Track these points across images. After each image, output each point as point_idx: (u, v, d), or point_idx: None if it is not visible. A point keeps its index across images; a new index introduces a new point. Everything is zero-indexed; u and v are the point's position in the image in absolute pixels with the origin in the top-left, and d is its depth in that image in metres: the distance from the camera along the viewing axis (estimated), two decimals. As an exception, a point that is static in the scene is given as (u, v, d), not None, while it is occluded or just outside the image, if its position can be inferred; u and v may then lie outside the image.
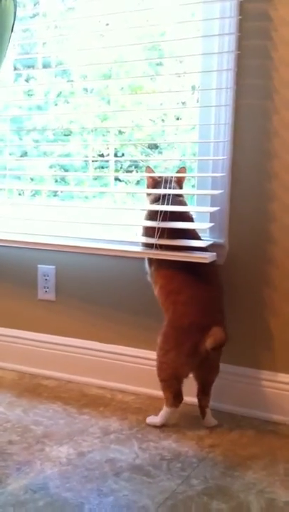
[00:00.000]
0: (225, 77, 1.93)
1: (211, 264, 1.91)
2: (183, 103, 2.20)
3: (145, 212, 2.04)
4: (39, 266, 2.34)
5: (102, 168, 2.43)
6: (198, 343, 1.80)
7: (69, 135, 2.40)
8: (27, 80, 2.43)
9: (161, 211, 1.94)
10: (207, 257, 1.89)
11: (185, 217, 1.97)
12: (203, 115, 2.02)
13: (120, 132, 2.34)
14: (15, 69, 2.38)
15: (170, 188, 1.98)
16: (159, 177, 2.01)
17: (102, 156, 2.39)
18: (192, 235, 1.95)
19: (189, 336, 1.82)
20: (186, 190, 2.08)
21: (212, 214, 2.00)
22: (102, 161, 2.39)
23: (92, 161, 2.37)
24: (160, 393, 1.92)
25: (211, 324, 1.80)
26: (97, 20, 2.18)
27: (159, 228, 1.93)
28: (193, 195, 2.11)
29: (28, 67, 2.38)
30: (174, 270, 1.90)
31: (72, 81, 2.36)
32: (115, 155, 2.35)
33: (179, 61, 2.16)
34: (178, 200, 1.99)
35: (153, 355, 1.93)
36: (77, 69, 2.32)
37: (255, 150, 1.93)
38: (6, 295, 2.42)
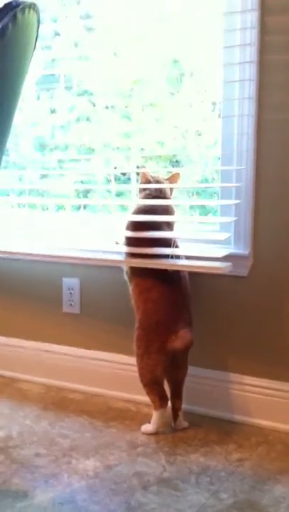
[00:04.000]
0: (247, 86, 1.93)
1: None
2: (204, 120, 2.20)
3: (135, 209, 2.04)
4: (64, 279, 2.35)
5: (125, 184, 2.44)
6: (165, 342, 1.85)
7: (91, 153, 2.42)
8: (49, 98, 2.46)
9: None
10: (221, 268, 1.88)
11: (171, 224, 2.02)
12: (225, 126, 2.01)
13: (142, 150, 2.35)
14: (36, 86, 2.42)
15: (159, 189, 2.02)
16: (152, 177, 2.04)
17: (124, 174, 2.41)
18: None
19: (157, 334, 1.86)
20: (206, 201, 2.08)
21: (236, 225, 1.99)
22: (123, 176, 2.40)
23: (114, 179, 2.39)
24: (186, 406, 1.91)
25: (178, 324, 1.85)
26: (116, 39, 2.20)
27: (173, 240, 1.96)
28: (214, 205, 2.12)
29: (49, 86, 2.41)
30: (148, 270, 1.93)
31: (92, 102, 2.38)
32: (137, 174, 2.36)
33: (199, 79, 2.17)
34: (165, 208, 2.01)
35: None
36: (98, 88, 2.34)
37: (280, 160, 1.92)
38: (32, 309, 2.43)
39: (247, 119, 1.94)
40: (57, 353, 2.37)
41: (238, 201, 1.97)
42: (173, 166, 2.29)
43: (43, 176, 2.51)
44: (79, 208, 2.47)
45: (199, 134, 2.25)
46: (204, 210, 2.26)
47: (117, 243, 2.08)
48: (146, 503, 1.51)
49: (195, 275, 2.01)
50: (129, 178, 2.39)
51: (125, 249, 2.01)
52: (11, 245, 2.32)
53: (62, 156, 2.44)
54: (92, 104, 2.38)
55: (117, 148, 2.35)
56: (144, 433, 1.92)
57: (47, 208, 2.53)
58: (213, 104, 2.13)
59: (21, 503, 1.50)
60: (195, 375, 2.03)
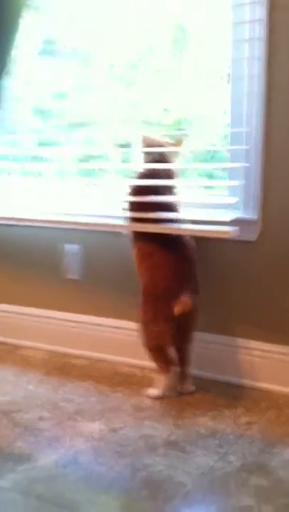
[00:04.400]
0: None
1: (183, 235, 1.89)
2: (211, 86, 2.12)
3: (138, 174, 1.98)
4: (65, 245, 2.29)
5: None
6: (170, 308, 1.80)
7: (94, 123, 2.34)
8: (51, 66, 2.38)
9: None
10: (229, 232, 1.82)
11: (172, 191, 1.94)
12: (234, 88, 1.93)
13: (148, 123, 2.27)
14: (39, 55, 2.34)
15: (162, 156, 1.94)
16: (155, 141, 1.97)
17: (128, 145, 2.32)
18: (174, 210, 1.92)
19: (165, 301, 1.81)
20: (212, 164, 2.02)
21: (245, 190, 1.92)
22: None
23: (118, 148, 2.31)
24: (194, 371, 1.89)
25: (180, 290, 1.80)
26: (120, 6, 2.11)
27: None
28: (223, 169, 2.05)
29: (52, 54, 2.32)
30: (150, 235, 1.87)
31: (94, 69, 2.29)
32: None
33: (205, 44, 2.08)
34: (166, 173, 1.94)
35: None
36: (102, 56, 2.24)
37: (287, 128, 1.84)
38: (33, 275, 2.38)
39: (257, 80, 1.86)
40: (59, 319, 2.32)
41: (246, 164, 1.90)
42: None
43: (42, 144, 2.44)
44: (81, 174, 2.40)
45: (206, 102, 2.17)
46: (212, 178, 2.19)
47: (124, 209, 2.01)
48: (153, 465, 1.47)
49: (202, 240, 1.95)
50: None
51: (128, 214, 1.95)
52: (12, 211, 2.25)
53: (64, 123, 2.36)
54: (95, 71, 2.30)
55: (121, 118, 2.27)
56: (149, 397, 1.87)
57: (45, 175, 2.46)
58: (220, 71, 2.04)
59: (24, 465, 1.46)
60: (203, 340, 1.98)
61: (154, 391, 1.89)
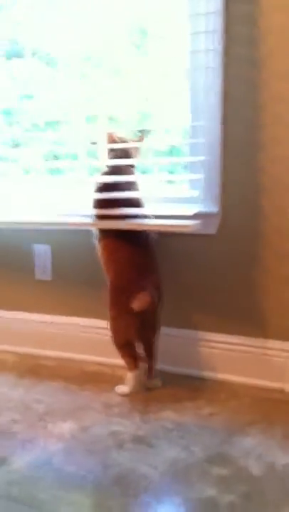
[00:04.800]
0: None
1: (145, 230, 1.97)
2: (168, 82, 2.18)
3: (102, 171, 2.07)
4: (35, 246, 2.35)
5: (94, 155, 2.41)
6: (130, 303, 1.87)
7: (58, 123, 2.39)
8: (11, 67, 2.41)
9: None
10: (190, 226, 1.90)
11: (133, 185, 2.02)
12: (192, 81, 1.99)
13: (111, 119, 2.33)
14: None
15: (124, 151, 2.02)
16: (119, 138, 2.05)
17: (93, 144, 2.38)
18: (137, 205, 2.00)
19: (127, 294, 1.89)
20: (173, 158, 2.09)
21: (205, 183, 2.00)
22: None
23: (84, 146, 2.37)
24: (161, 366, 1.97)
25: (144, 285, 1.88)
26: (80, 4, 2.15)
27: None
28: (183, 163, 2.14)
29: (12, 55, 2.35)
30: (116, 231, 1.95)
31: (56, 69, 2.33)
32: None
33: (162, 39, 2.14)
34: (128, 169, 2.02)
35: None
36: (62, 55, 2.29)
37: (247, 116, 1.92)
38: (4, 277, 2.44)
39: (213, 72, 1.92)
40: (30, 321, 2.39)
41: (205, 158, 1.98)
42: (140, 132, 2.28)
43: (14, 146, 2.48)
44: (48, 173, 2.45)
45: (165, 102, 2.23)
46: (172, 173, 2.27)
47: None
48: (122, 461, 1.56)
49: (165, 235, 2.03)
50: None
51: (94, 211, 2.02)
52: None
53: (29, 127, 2.40)
54: (56, 71, 2.34)
55: (84, 117, 2.32)
56: (119, 394, 1.96)
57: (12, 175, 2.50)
58: (180, 64, 2.10)
59: (-1, 468, 1.54)
60: (165, 334, 2.08)
61: (123, 388, 1.97)
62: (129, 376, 1.97)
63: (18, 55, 2.34)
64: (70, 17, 2.17)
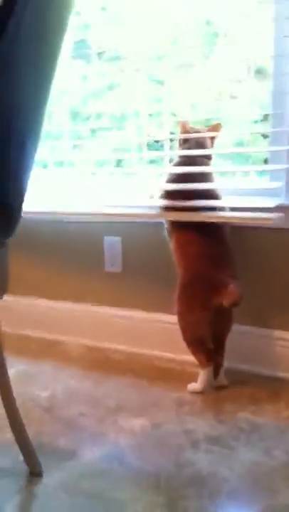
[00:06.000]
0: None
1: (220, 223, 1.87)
2: (239, 82, 2.09)
3: (175, 162, 1.99)
4: (105, 238, 2.30)
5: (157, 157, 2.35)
6: (208, 298, 1.77)
7: (124, 121, 2.34)
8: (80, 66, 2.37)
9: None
10: (272, 219, 1.78)
11: (211, 177, 1.93)
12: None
13: (174, 114, 2.25)
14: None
15: (199, 142, 1.94)
16: (191, 128, 1.97)
17: (157, 142, 2.31)
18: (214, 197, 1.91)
19: (199, 290, 1.80)
20: (254, 148, 1.98)
21: (287, 174, 1.89)
22: (156, 144, 2.30)
23: (147, 147, 2.30)
24: (231, 364, 1.90)
25: (222, 279, 1.76)
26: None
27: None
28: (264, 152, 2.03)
29: (81, 54, 2.31)
30: (188, 224, 1.87)
31: (123, 68, 2.27)
32: (170, 140, 2.26)
33: (233, 38, 2.05)
34: (203, 160, 1.94)
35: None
36: (130, 53, 2.23)
37: None
38: (73, 269, 2.39)
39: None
40: (99, 314, 2.33)
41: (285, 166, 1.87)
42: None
43: (76, 146, 2.45)
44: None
45: (234, 97, 2.14)
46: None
47: (152, 197, 2.01)
48: (197, 461, 1.47)
49: (241, 229, 1.93)
50: (162, 146, 2.30)
51: (166, 203, 1.94)
52: (52, 206, 2.26)
53: (95, 125, 2.35)
54: (123, 70, 2.28)
55: (150, 114, 2.25)
56: (191, 392, 1.87)
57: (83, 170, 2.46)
58: (248, 65, 2.01)
59: (68, 462, 1.47)
60: (240, 332, 1.98)
61: (195, 385, 1.88)
62: (202, 373, 1.87)
63: (85, 56, 2.30)
64: (138, 15, 2.11)
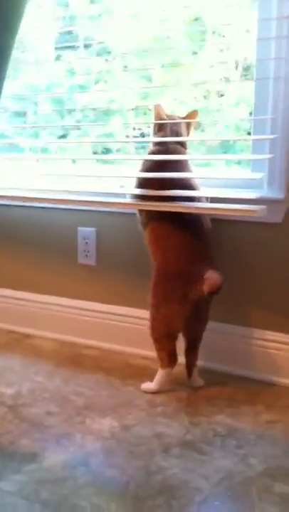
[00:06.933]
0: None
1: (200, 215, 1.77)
2: (226, 78, 1.99)
3: (150, 150, 1.89)
4: (79, 228, 2.18)
5: (144, 148, 2.23)
6: (187, 291, 1.67)
7: (110, 115, 2.23)
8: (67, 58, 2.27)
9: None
10: (256, 211, 1.68)
11: (187, 166, 1.83)
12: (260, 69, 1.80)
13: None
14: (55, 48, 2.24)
15: (175, 130, 1.84)
16: (167, 115, 1.86)
17: (142, 135, 2.20)
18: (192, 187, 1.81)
19: (178, 283, 1.69)
20: (235, 137, 1.89)
21: (270, 165, 1.80)
22: (142, 141, 2.19)
23: (133, 141, 2.19)
24: (212, 365, 1.81)
25: (200, 271, 1.66)
26: None
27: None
28: (246, 140, 1.95)
29: (68, 46, 2.21)
30: (166, 215, 1.75)
31: (107, 59, 2.17)
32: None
33: (222, 35, 1.95)
34: (180, 148, 1.84)
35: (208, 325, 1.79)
36: (118, 47, 2.12)
37: None
38: (45, 260, 2.28)
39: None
40: (72, 307, 2.22)
41: (273, 136, 1.77)
42: (194, 129, 2.07)
43: (62, 137, 2.34)
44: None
45: (222, 95, 2.04)
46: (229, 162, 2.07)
47: (121, 186, 1.90)
48: (168, 468, 1.36)
49: (221, 222, 1.83)
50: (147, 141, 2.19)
51: (142, 191, 1.82)
52: (23, 191, 2.14)
53: (81, 118, 2.24)
54: (110, 64, 2.18)
55: (136, 109, 2.15)
56: (144, 391, 1.77)
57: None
58: (236, 63, 1.92)
59: (29, 466, 1.36)
60: (219, 331, 1.88)
61: (149, 385, 1.78)
62: (160, 373, 1.77)
63: (72, 47, 2.19)
64: (127, 8, 2.01)
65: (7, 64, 1.26)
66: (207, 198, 1.79)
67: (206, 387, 1.81)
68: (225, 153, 2.08)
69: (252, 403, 1.70)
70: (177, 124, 1.85)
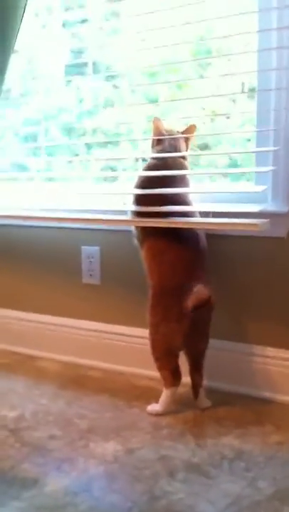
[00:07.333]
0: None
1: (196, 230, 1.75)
2: (233, 101, 1.98)
3: (146, 166, 1.86)
4: (83, 247, 2.16)
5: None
6: (183, 307, 1.63)
7: (118, 139, 2.23)
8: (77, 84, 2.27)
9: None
10: (258, 225, 1.64)
11: (185, 181, 1.80)
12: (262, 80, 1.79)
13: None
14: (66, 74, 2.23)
15: (173, 145, 1.81)
16: (166, 130, 1.84)
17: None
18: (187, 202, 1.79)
19: (174, 299, 1.66)
20: (237, 150, 1.87)
21: (273, 178, 1.77)
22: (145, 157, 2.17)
23: (136, 156, 2.17)
24: (216, 385, 1.76)
25: (192, 286, 1.64)
26: (143, 22, 1.97)
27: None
28: (249, 152, 1.91)
29: (78, 72, 2.20)
30: (162, 231, 1.73)
31: (118, 86, 2.17)
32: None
33: (228, 59, 1.93)
34: (179, 162, 1.81)
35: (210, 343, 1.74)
36: (125, 72, 2.12)
37: None
38: (49, 280, 2.25)
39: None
40: (76, 328, 2.18)
41: (275, 148, 1.74)
42: (201, 149, 2.05)
43: (71, 162, 2.33)
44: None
45: (228, 117, 2.02)
46: (235, 178, 2.04)
47: (124, 204, 1.88)
48: (173, 492, 1.31)
49: (224, 237, 1.80)
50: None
51: (139, 208, 1.80)
52: (26, 211, 2.12)
53: (90, 141, 2.23)
54: (118, 87, 2.17)
55: (144, 132, 2.13)
56: (150, 413, 1.72)
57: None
58: (242, 84, 1.90)
59: (29, 492, 1.31)
60: (222, 349, 1.84)
61: (155, 407, 1.74)
62: (165, 394, 1.73)
63: (81, 72, 2.18)
64: (135, 32, 2.00)
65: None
66: (208, 213, 1.76)
67: (213, 407, 1.76)
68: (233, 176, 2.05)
69: (260, 424, 1.65)
70: (176, 138, 1.83)
